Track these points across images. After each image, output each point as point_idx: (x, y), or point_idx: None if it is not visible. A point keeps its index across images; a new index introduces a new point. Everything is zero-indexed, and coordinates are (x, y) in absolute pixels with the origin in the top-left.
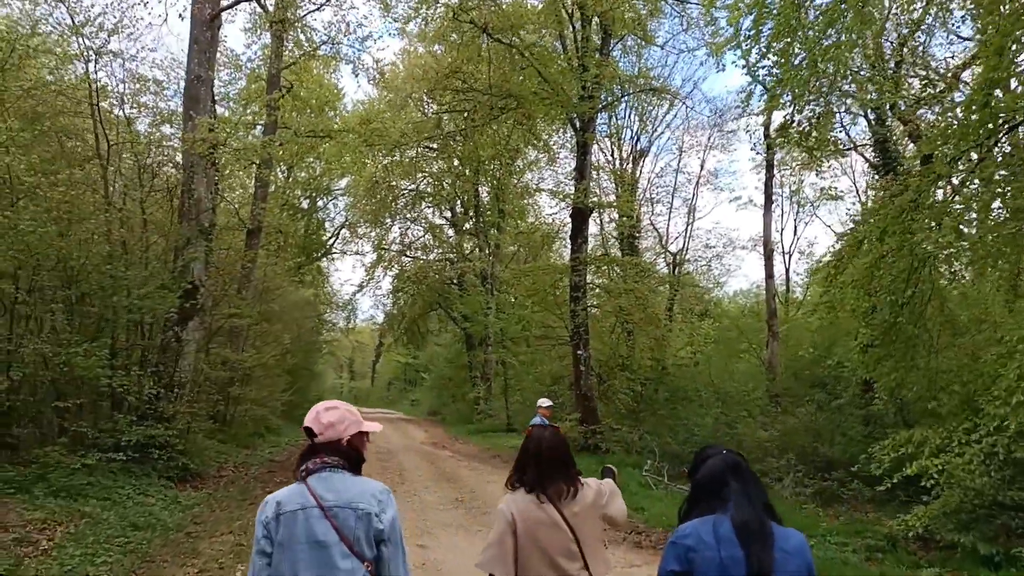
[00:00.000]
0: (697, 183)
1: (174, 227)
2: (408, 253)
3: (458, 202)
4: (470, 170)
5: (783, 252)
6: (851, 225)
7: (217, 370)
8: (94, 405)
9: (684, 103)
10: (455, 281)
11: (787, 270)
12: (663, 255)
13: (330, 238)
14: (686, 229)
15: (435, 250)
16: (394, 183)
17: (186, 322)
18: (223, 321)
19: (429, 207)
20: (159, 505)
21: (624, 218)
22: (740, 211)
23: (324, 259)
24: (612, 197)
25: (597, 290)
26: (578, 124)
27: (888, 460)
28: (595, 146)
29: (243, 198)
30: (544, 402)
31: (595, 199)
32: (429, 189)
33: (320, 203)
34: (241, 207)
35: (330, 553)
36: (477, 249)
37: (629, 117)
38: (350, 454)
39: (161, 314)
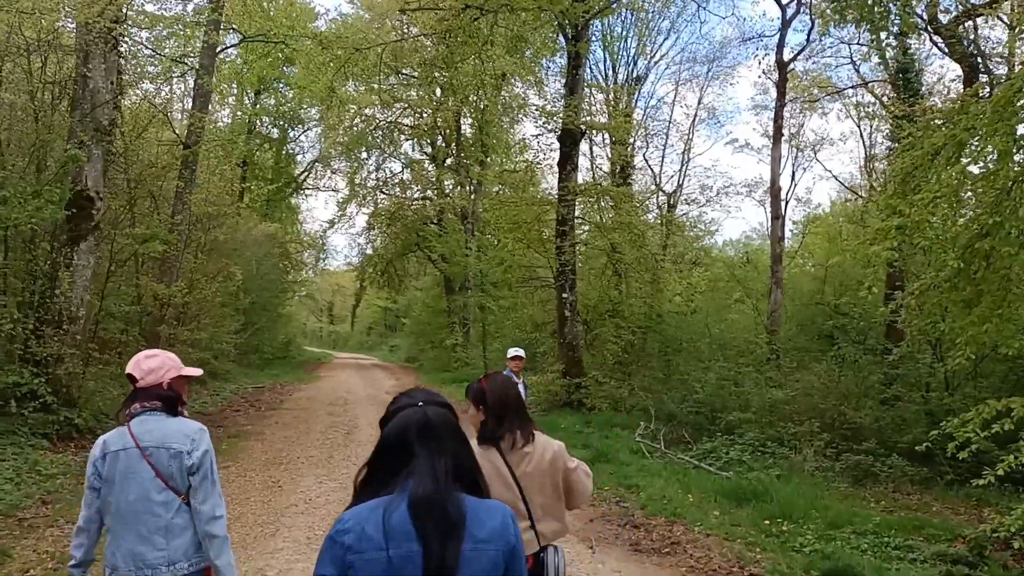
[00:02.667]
0: (694, 120)
1: (59, 122)
2: (384, 190)
3: (439, 136)
4: (452, 99)
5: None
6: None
7: (127, 305)
8: None
9: (699, 5)
10: (434, 220)
11: (783, 218)
12: (656, 195)
13: (302, 173)
14: (681, 167)
15: (413, 187)
16: (368, 111)
17: (77, 242)
18: (134, 246)
19: (408, 140)
20: (6, 475)
21: (618, 145)
22: (736, 154)
23: (295, 195)
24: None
25: (587, 226)
26: (570, 33)
27: (979, 438)
28: (587, 68)
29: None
30: (513, 352)
31: (587, 120)
32: (408, 121)
33: (292, 134)
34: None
35: (147, 488)
36: (458, 187)
37: (626, 39)
38: (167, 397)
39: (29, 228)
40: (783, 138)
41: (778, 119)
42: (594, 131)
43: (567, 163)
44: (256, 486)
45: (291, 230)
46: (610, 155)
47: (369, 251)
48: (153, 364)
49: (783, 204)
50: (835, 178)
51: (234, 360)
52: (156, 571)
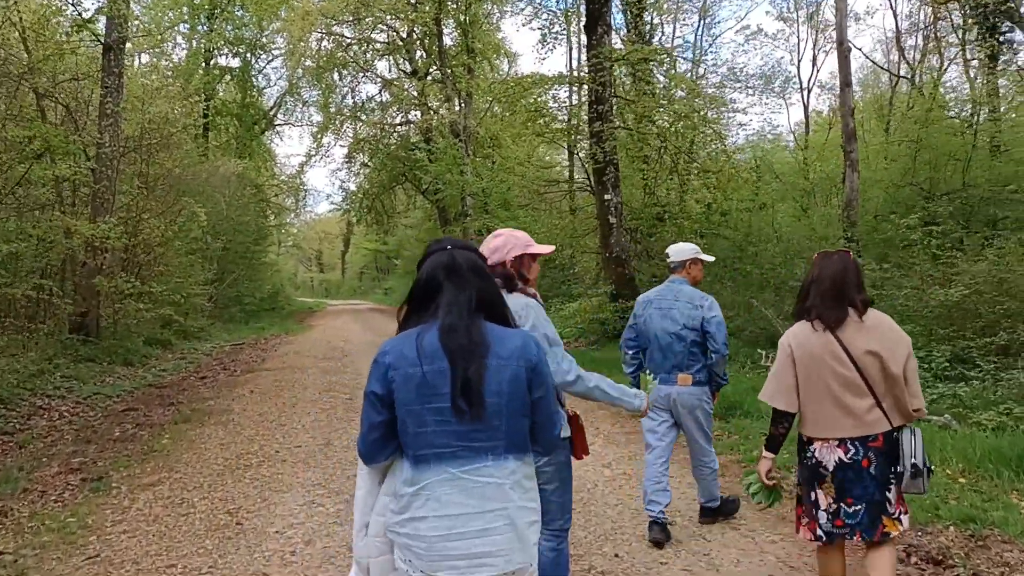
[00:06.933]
0: None
1: None
2: (362, 116)
3: (418, 49)
4: (428, 3)
5: (801, 88)
6: None
7: (14, 242)
8: None
9: None
10: (422, 143)
11: (806, 108)
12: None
13: (272, 107)
14: (695, 51)
15: (393, 110)
16: (336, 28)
17: None
18: (25, 163)
19: (382, 57)
20: None
21: (640, 7)
22: (750, 41)
23: (267, 132)
24: None
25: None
26: None
27: None
28: None
29: None
30: (683, 253)
31: None
32: (382, 36)
33: (256, 64)
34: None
35: None
36: (446, 101)
37: None
38: (505, 275)
39: None
40: (794, 24)
41: None
42: None
43: (597, 25)
44: (195, 527)
45: (266, 169)
46: (628, 22)
47: (352, 186)
48: (497, 243)
49: (804, 94)
50: (867, 57)
51: (211, 316)
52: None
